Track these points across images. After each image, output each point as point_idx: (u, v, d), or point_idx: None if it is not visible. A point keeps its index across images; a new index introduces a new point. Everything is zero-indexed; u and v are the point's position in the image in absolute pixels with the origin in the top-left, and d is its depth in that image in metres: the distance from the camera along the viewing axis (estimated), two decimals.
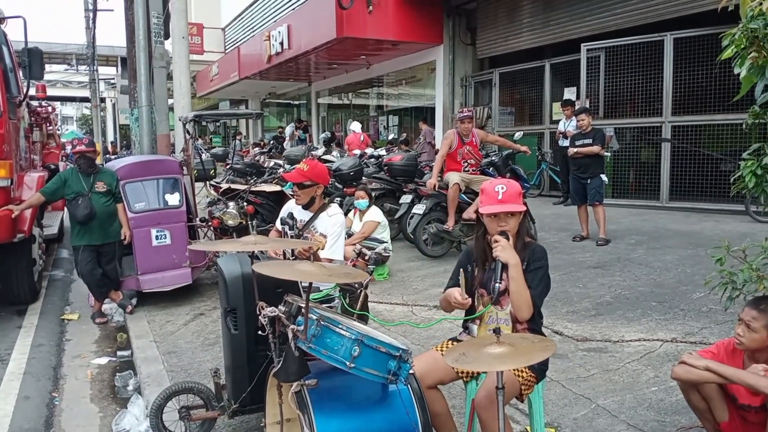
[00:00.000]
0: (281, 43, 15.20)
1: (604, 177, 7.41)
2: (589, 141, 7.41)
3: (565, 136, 10.16)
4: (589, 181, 7.39)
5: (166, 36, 9.51)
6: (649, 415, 3.28)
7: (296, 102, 24.42)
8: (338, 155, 11.01)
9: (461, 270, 2.74)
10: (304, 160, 3.91)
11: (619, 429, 3.15)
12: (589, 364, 4.00)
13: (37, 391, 4.28)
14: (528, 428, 3.11)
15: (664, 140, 9.27)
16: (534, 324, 2.63)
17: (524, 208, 2.60)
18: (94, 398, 4.27)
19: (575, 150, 7.52)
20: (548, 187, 11.81)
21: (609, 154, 7.65)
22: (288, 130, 19.41)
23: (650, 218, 8.72)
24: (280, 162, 10.32)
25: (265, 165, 10.41)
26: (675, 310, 4.87)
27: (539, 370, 2.62)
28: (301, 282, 2.87)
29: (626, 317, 4.82)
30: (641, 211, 9.34)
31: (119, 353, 5.06)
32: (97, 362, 4.89)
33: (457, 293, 2.60)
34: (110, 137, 36.53)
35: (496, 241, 2.51)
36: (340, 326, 2.25)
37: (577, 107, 10.28)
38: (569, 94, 11.08)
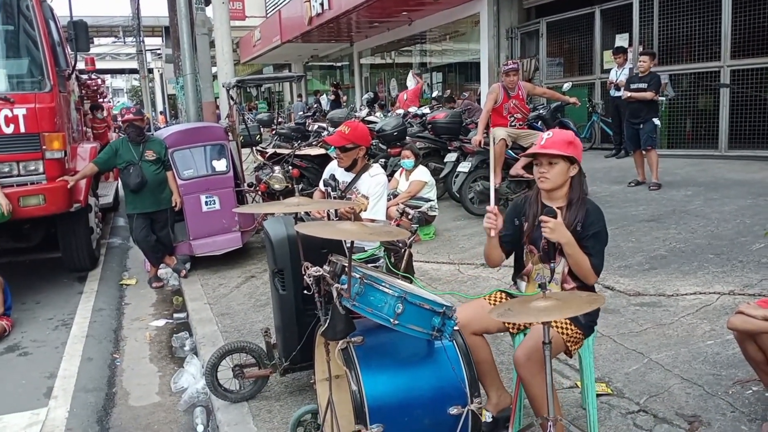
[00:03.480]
0: (321, 4, 15.06)
1: (656, 121, 7.32)
2: (644, 86, 7.25)
3: (617, 87, 9.78)
4: (641, 125, 7.29)
5: (207, 2, 9.53)
6: (704, 368, 3.19)
7: (338, 64, 24.28)
8: (381, 116, 10.91)
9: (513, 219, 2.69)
10: (345, 122, 3.88)
11: (672, 383, 3.09)
12: (642, 318, 3.91)
13: (99, 352, 4.49)
14: (578, 383, 3.08)
15: (723, 85, 8.80)
16: (584, 283, 2.57)
17: (563, 153, 2.48)
18: (153, 358, 4.45)
19: (629, 94, 7.41)
20: (600, 139, 11.44)
21: (663, 99, 7.45)
22: (323, 100, 19.52)
23: (708, 168, 8.37)
24: (324, 125, 10.33)
25: (310, 128, 10.46)
26: (733, 262, 4.69)
27: (586, 326, 2.56)
28: (345, 242, 2.88)
29: (681, 270, 4.67)
30: (698, 160, 8.96)
31: (175, 315, 5.25)
32: (155, 324, 5.09)
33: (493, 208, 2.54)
34: (159, 107, 37.29)
35: (544, 222, 2.42)
36: (383, 284, 2.25)
37: (629, 54, 9.88)
38: (621, 40, 10.60)
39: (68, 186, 5.56)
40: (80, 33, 6.09)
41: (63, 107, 5.93)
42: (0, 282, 4.91)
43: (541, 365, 2.21)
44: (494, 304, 2.65)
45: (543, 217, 2.44)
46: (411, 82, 13.21)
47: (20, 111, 5.32)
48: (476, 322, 2.58)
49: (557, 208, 2.51)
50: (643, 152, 7.46)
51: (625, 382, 3.15)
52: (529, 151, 2.57)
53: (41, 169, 5.46)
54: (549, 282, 2.54)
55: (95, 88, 10.75)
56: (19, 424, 3.47)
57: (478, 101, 12.35)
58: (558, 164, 2.51)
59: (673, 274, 4.63)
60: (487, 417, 2.68)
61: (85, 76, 10.26)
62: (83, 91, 9.06)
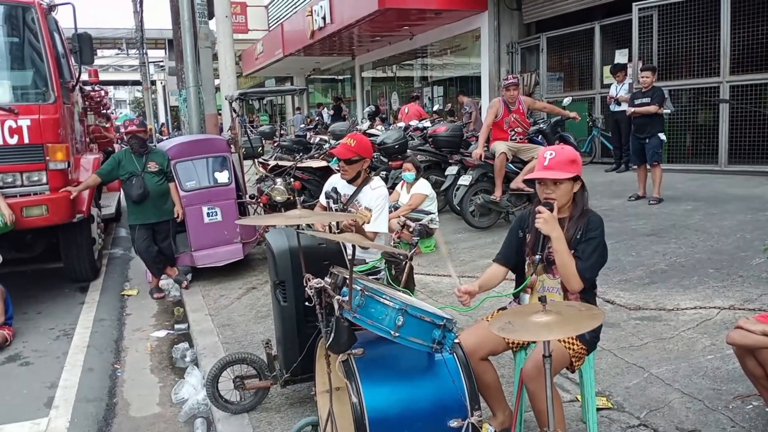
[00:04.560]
0: (323, 18, 15.17)
1: (662, 136, 7.40)
2: (648, 100, 7.32)
3: (617, 102, 9.86)
4: (647, 140, 7.37)
5: (210, 16, 9.58)
6: (704, 383, 3.20)
7: (340, 77, 24.40)
8: (383, 129, 10.97)
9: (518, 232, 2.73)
10: (349, 134, 3.91)
11: (672, 397, 3.09)
12: (642, 332, 3.92)
13: (100, 363, 4.49)
14: (578, 397, 3.08)
15: (722, 101, 8.86)
16: (586, 294, 2.57)
17: (569, 175, 2.50)
18: (153, 369, 4.45)
19: (633, 110, 7.51)
20: (600, 153, 11.50)
21: (668, 111, 7.50)
22: (325, 113, 19.64)
23: (708, 183, 8.40)
24: (326, 137, 10.38)
25: (311, 141, 10.51)
26: (733, 277, 4.70)
27: (590, 342, 2.57)
28: (346, 254, 2.89)
29: (682, 285, 4.68)
30: (698, 175, 9.00)
31: (176, 326, 5.25)
32: (156, 335, 5.09)
33: (463, 288, 2.60)
34: (162, 119, 37.40)
35: (539, 212, 2.47)
36: (384, 296, 2.27)
37: (629, 69, 9.96)
38: (620, 56, 10.69)
39: (71, 197, 5.59)
40: (85, 46, 6.14)
41: (67, 118, 5.97)
42: (2, 291, 4.93)
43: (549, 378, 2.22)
44: None
45: (539, 207, 2.48)
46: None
47: (24, 122, 5.36)
48: (481, 348, 2.58)
49: (560, 218, 2.54)
50: (648, 167, 7.50)
51: (625, 396, 3.16)
52: (533, 175, 2.57)
53: (44, 180, 5.49)
54: (537, 266, 2.58)
55: (99, 99, 10.79)
56: None
57: (480, 113, 12.41)
58: (563, 184, 2.52)
59: (674, 288, 4.64)
60: (489, 431, 2.69)
61: (88, 88, 10.31)
62: (87, 103, 9.11)
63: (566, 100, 9.04)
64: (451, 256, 2.52)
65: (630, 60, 10.21)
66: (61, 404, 3.81)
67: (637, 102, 7.49)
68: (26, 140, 5.37)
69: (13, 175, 5.38)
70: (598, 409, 2.92)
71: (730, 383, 3.16)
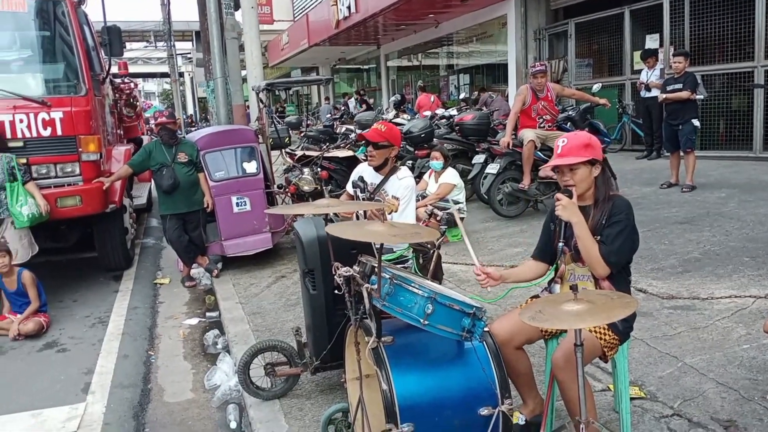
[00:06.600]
0: (348, 8, 15.15)
1: (695, 122, 7.23)
2: (680, 86, 7.17)
3: (647, 88, 9.67)
4: (680, 127, 7.23)
5: (237, 7, 9.65)
6: (739, 373, 3.14)
7: (365, 66, 24.37)
8: (408, 118, 10.93)
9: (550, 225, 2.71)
10: (380, 122, 3.90)
11: (707, 387, 3.04)
12: (676, 322, 3.86)
13: (134, 349, 4.59)
14: (610, 386, 3.05)
15: (757, 86, 8.63)
16: (617, 283, 2.52)
17: (582, 159, 2.45)
18: (186, 356, 4.53)
19: (664, 96, 7.38)
20: (630, 141, 11.30)
21: (701, 97, 7.32)
22: (351, 103, 19.59)
23: (742, 170, 8.21)
24: (352, 127, 10.39)
25: (338, 131, 10.54)
26: None
27: (623, 332, 2.52)
28: (374, 243, 2.90)
29: (716, 274, 4.59)
30: (732, 162, 8.80)
31: (208, 314, 5.33)
32: (188, 323, 5.18)
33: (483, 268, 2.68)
34: (190, 110, 37.83)
35: (558, 200, 2.44)
36: (412, 284, 2.26)
37: (660, 54, 9.75)
38: (651, 41, 10.46)
39: (104, 187, 5.70)
40: (114, 38, 6.22)
41: (98, 110, 6.07)
42: (32, 277, 4.95)
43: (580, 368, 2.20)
44: None
45: (558, 195, 2.46)
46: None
47: (57, 114, 5.46)
48: (516, 337, 2.56)
49: (585, 204, 2.52)
50: (681, 154, 7.36)
51: (658, 385, 3.12)
52: (549, 164, 2.56)
53: (78, 171, 5.60)
54: (560, 254, 2.56)
55: (128, 91, 10.93)
56: (59, 418, 3.57)
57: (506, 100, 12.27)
58: (579, 169, 2.48)
59: (708, 277, 4.55)
60: (520, 420, 2.68)
61: (118, 80, 10.45)
62: (117, 95, 9.24)
63: (595, 87, 8.89)
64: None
65: (661, 45, 9.99)
66: (97, 390, 3.90)
67: (669, 88, 7.35)
68: (59, 132, 5.47)
69: (47, 166, 5.50)
70: (631, 399, 2.88)
71: (767, 373, 3.10)
